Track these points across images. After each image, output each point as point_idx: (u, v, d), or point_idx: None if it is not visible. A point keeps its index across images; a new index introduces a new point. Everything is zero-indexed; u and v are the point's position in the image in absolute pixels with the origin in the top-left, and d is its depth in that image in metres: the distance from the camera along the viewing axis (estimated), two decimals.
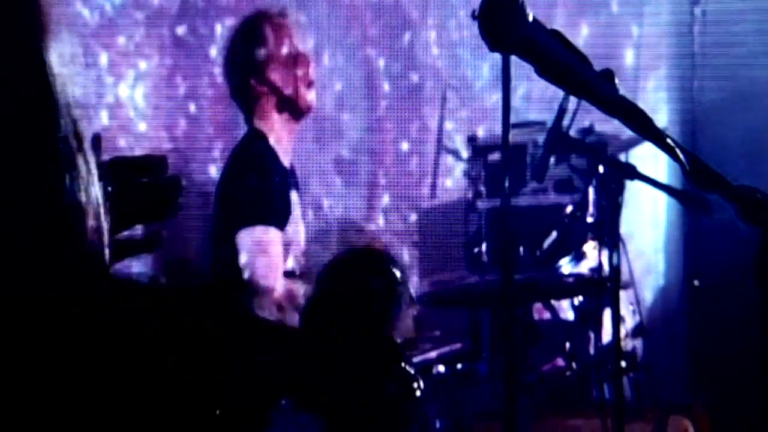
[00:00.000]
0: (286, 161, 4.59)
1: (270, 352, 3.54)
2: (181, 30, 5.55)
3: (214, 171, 5.27)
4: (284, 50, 4.59)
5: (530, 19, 1.48)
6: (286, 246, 4.52)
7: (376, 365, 3.33)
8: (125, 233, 1.35)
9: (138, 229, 1.35)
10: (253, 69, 4.57)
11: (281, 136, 4.58)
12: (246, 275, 4.37)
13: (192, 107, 5.55)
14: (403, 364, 3.34)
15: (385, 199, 5.61)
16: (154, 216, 1.37)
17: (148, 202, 1.36)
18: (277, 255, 4.45)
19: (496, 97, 5.35)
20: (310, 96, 4.61)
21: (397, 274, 3.43)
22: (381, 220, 5.63)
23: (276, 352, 3.55)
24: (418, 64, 5.68)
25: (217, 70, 5.17)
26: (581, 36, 5.57)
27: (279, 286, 4.42)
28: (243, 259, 4.38)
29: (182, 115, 5.55)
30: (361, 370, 3.32)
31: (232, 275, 4.38)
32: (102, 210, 1.07)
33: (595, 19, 5.63)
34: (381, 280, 3.39)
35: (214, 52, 5.46)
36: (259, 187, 4.43)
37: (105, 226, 1.07)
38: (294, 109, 4.59)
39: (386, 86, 5.66)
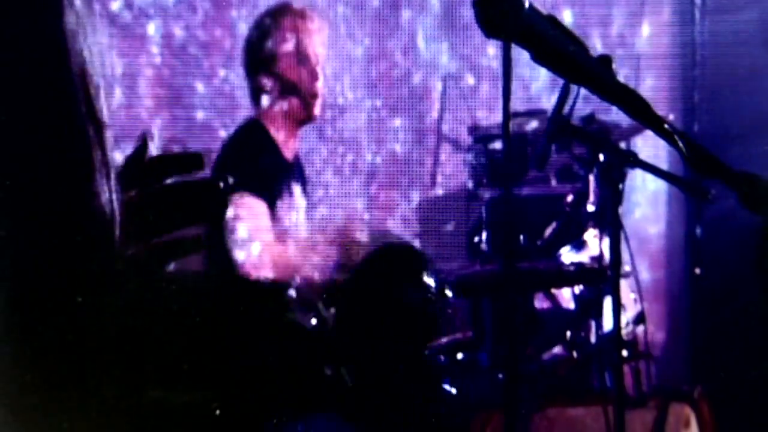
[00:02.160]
0: (288, 155, 4.58)
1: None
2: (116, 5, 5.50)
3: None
4: (295, 51, 4.55)
5: (527, 4, 1.47)
6: (284, 235, 4.50)
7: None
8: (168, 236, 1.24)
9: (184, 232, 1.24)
10: (263, 61, 4.56)
11: (283, 132, 4.56)
12: (235, 242, 4.29)
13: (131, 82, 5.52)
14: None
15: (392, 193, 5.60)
16: (200, 216, 1.26)
17: (192, 201, 1.26)
18: (266, 225, 4.41)
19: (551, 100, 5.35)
20: (315, 107, 4.58)
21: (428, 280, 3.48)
22: (381, 211, 5.62)
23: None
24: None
25: (156, 49, 5.11)
26: (642, 36, 5.57)
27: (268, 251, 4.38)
28: (232, 224, 4.30)
29: (121, 90, 5.50)
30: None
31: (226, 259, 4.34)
32: (114, 196, 1.05)
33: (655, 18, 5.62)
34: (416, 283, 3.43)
35: (152, 29, 5.41)
36: (251, 170, 4.40)
37: (117, 215, 1.04)
38: (296, 113, 4.57)
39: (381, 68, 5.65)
